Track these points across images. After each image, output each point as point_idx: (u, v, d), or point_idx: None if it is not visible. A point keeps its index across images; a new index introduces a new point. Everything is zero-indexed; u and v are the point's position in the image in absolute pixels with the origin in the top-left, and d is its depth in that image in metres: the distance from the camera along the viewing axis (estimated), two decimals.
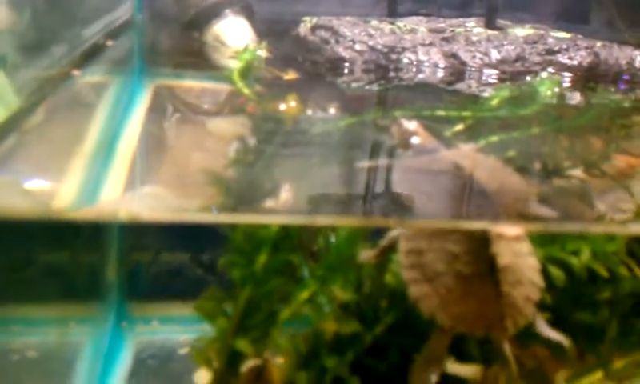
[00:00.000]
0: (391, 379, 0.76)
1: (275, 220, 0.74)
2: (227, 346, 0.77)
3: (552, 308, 0.77)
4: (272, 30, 1.25)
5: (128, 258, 1.26)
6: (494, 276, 0.73)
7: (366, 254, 0.80)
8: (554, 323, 0.76)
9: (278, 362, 0.79)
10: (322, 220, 0.72)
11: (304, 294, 0.78)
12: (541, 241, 0.79)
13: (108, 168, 0.74)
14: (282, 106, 0.86)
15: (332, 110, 0.89)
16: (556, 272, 0.77)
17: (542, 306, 0.76)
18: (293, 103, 0.84)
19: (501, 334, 0.75)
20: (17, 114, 0.75)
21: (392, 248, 0.78)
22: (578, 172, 0.82)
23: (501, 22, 1.37)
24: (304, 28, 1.26)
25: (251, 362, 0.79)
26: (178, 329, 1.21)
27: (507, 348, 0.75)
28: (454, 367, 0.78)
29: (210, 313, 0.79)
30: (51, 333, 1.08)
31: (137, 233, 1.24)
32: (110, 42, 1.11)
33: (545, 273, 0.76)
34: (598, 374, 0.83)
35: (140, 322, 1.25)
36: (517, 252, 0.75)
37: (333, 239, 0.81)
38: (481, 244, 0.73)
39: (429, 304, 0.75)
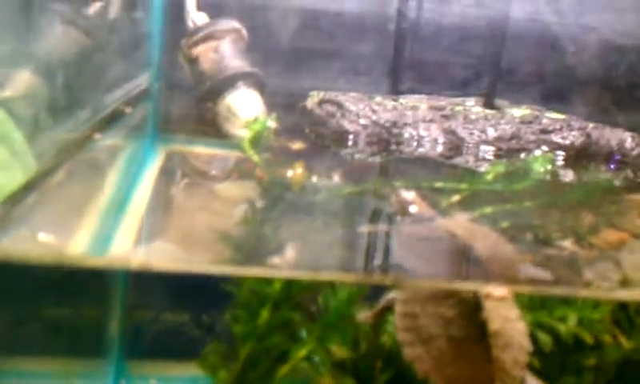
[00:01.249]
0: None
1: (280, 274, 0.78)
2: None
3: (540, 372, 0.80)
4: (281, 102, 1.33)
5: (130, 316, 1.29)
6: (486, 340, 0.77)
7: (364, 315, 0.84)
8: None
9: None
10: (324, 275, 0.76)
11: (302, 352, 0.82)
12: (529, 306, 0.82)
13: (119, 224, 0.78)
14: (289, 173, 0.91)
15: (336, 178, 0.94)
16: (544, 337, 0.81)
17: (530, 371, 0.79)
18: (300, 170, 0.89)
19: None
20: (37, 175, 0.80)
21: (388, 309, 0.82)
22: (567, 243, 0.86)
23: (499, 101, 1.45)
24: (311, 102, 1.33)
25: None
26: None
27: None
28: None
29: (212, 366, 0.82)
30: None
31: (140, 290, 1.28)
32: (128, 109, 1.18)
33: (533, 338, 0.80)
34: None
35: (138, 381, 1.27)
36: (506, 317, 0.79)
37: (331, 300, 0.85)
38: (473, 309, 0.78)
39: (423, 366, 0.79)
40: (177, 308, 1.32)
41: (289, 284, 0.82)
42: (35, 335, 1.13)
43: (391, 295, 0.82)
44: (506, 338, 0.78)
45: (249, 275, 0.82)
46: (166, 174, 1.02)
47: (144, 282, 1.24)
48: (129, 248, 0.74)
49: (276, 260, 0.71)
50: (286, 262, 0.70)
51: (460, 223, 0.86)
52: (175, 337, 1.33)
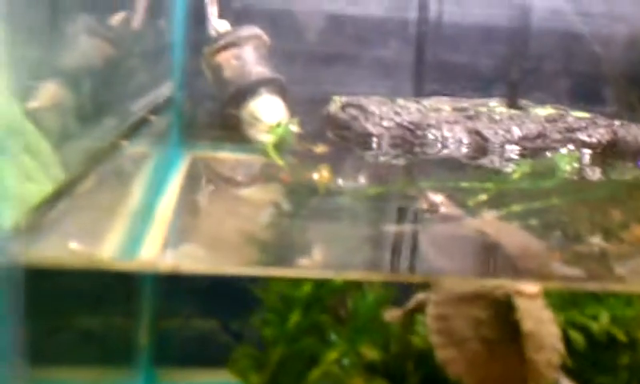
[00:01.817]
0: None
1: (308, 275, 0.78)
2: None
3: (573, 372, 0.79)
4: (304, 108, 1.33)
5: (159, 323, 1.30)
6: (518, 341, 0.76)
7: (391, 314, 0.84)
8: None
9: None
10: (352, 275, 0.76)
11: (333, 355, 0.81)
12: (560, 305, 0.81)
13: (147, 230, 0.79)
14: (315, 175, 0.91)
15: (362, 180, 0.94)
16: (576, 336, 0.80)
17: (564, 371, 0.78)
18: (325, 173, 0.89)
19: None
20: (65, 184, 0.82)
21: (417, 310, 0.82)
22: (597, 239, 0.85)
23: (522, 102, 1.44)
24: (334, 106, 1.34)
25: None
26: None
27: None
28: None
29: (242, 371, 0.82)
30: None
31: (169, 297, 1.28)
32: (153, 117, 1.19)
33: (565, 337, 0.79)
34: None
35: None
36: (539, 318, 0.78)
37: (360, 302, 0.85)
38: (505, 310, 0.77)
39: (455, 368, 0.78)
40: (205, 314, 1.33)
41: (318, 286, 0.82)
42: (65, 344, 1.14)
43: (421, 296, 0.82)
44: (539, 339, 0.77)
45: (276, 276, 0.82)
46: (192, 180, 1.03)
47: (173, 289, 1.24)
48: (157, 252, 0.74)
49: (304, 261, 0.71)
50: (313, 263, 0.70)
51: (489, 222, 0.86)
52: (204, 343, 1.33)
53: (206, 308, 1.32)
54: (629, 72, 1.55)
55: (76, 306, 1.12)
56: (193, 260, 0.73)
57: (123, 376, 1.25)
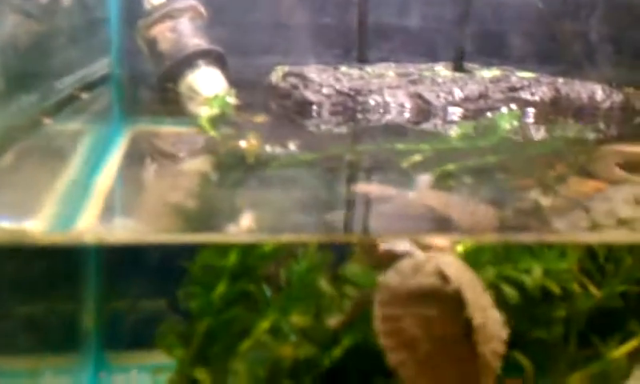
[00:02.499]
0: None
1: (234, 240, 0.76)
2: (186, 377, 0.78)
3: (508, 327, 0.78)
4: (246, 79, 1.30)
5: (105, 306, 1.27)
6: (470, 337, 0.74)
7: (334, 320, 0.82)
8: (511, 343, 0.77)
9: None
10: (284, 237, 0.74)
11: (265, 324, 0.80)
12: (494, 260, 0.81)
13: (81, 205, 0.77)
14: (243, 143, 0.89)
15: (292, 147, 0.92)
16: (509, 290, 0.79)
17: None
18: (253, 141, 0.87)
19: None
20: None
21: (360, 311, 0.80)
22: (534, 194, 0.84)
23: (469, 65, 1.42)
24: (276, 76, 1.31)
25: None
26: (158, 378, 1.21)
27: None
28: None
29: (169, 345, 0.80)
30: None
31: (113, 279, 1.26)
32: (85, 94, 1.15)
33: (498, 291, 0.78)
34: None
35: (119, 372, 1.25)
36: (484, 306, 0.76)
37: (294, 270, 0.83)
38: (455, 306, 0.74)
39: (408, 372, 0.76)
40: (153, 295, 1.30)
41: (245, 254, 0.80)
42: (4, 333, 1.11)
43: (364, 292, 0.80)
44: (486, 330, 0.75)
45: (203, 242, 0.80)
46: (131, 156, 1.00)
47: (116, 268, 1.22)
48: (89, 225, 0.72)
49: (231, 228, 0.69)
50: (241, 229, 0.68)
51: (433, 195, 0.84)
52: (154, 324, 1.31)
53: (153, 288, 1.30)
54: (575, 28, 1.55)
55: (14, 291, 1.09)
56: (121, 230, 0.71)
57: (70, 362, 1.22)
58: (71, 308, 1.20)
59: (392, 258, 0.78)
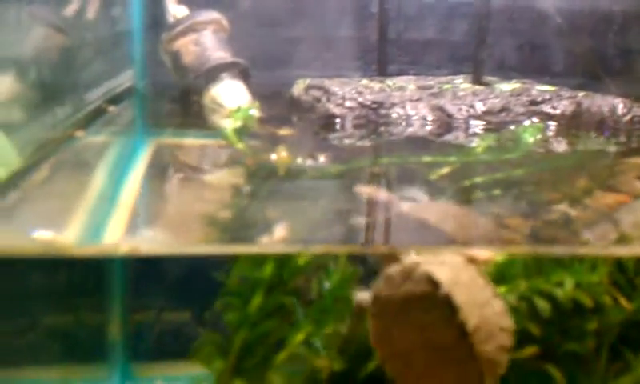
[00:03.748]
0: None
1: (268, 251, 0.77)
2: None
3: (540, 340, 0.78)
4: (268, 92, 1.31)
5: (131, 318, 1.28)
6: (466, 340, 0.72)
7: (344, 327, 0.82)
8: (543, 355, 0.77)
9: None
10: (314, 249, 0.74)
11: (299, 336, 0.80)
12: (525, 273, 0.81)
13: (109, 217, 0.77)
14: (273, 156, 0.90)
15: (321, 159, 0.93)
16: (542, 304, 0.79)
17: (530, 339, 0.78)
18: (284, 153, 0.88)
19: None
20: (20, 171, 0.79)
21: (360, 319, 0.79)
22: (563, 207, 0.84)
23: (488, 78, 1.43)
24: (297, 89, 1.32)
25: None
26: None
27: None
28: None
29: (206, 357, 0.80)
30: None
31: (139, 291, 1.27)
32: (111, 107, 1.16)
33: (531, 305, 0.78)
34: None
35: (144, 383, 1.25)
36: (482, 303, 0.74)
37: (326, 283, 0.84)
38: (447, 311, 0.73)
39: (406, 381, 0.75)
40: (178, 307, 1.31)
41: (280, 267, 0.81)
42: (33, 344, 1.12)
43: (360, 296, 0.80)
44: (486, 327, 0.73)
45: (238, 253, 0.80)
46: (156, 167, 1.01)
47: (143, 282, 1.23)
48: (119, 238, 0.72)
49: (265, 239, 0.69)
50: (274, 241, 0.68)
51: (426, 206, 0.83)
52: (179, 335, 1.31)
53: (179, 300, 1.31)
54: (593, 43, 1.55)
55: (41, 303, 1.10)
56: (153, 242, 0.72)
57: (96, 372, 1.23)
58: (98, 319, 1.21)
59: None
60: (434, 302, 0.72)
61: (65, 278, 1.05)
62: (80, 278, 1.06)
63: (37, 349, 1.13)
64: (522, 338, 0.78)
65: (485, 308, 0.74)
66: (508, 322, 0.74)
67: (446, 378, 0.74)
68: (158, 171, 1.00)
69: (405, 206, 0.82)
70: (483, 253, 0.74)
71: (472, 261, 0.74)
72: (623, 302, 0.85)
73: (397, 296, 0.74)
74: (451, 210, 0.82)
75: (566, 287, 0.81)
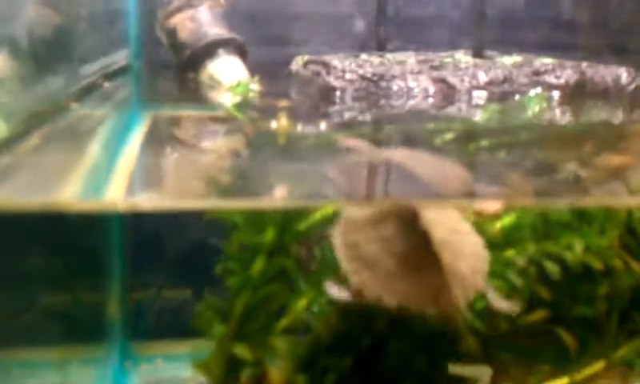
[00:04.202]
0: (394, 375, 0.76)
1: (266, 206, 0.75)
2: (226, 353, 0.76)
3: (550, 304, 0.76)
4: (266, 68, 1.29)
5: (130, 297, 1.26)
6: (431, 250, 0.74)
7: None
8: (553, 319, 0.75)
9: (278, 367, 0.79)
10: (314, 204, 0.73)
11: (302, 302, 0.78)
12: (534, 236, 0.79)
13: (107, 180, 0.75)
14: (274, 124, 0.88)
15: (323, 126, 0.91)
16: (551, 266, 0.77)
17: (540, 303, 0.76)
18: (284, 120, 0.86)
19: (451, 306, 0.74)
20: (9, 137, 0.77)
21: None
22: (572, 166, 0.83)
23: (488, 52, 1.41)
24: (296, 65, 1.30)
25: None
26: (183, 366, 1.20)
27: (463, 324, 0.75)
28: (460, 369, 0.78)
29: (207, 321, 0.78)
30: (54, 376, 1.07)
31: (138, 268, 1.25)
32: (106, 83, 1.14)
33: (540, 268, 0.76)
34: (600, 364, 0.82)
35: (144, 361, 1.24)
36: (454, 229, 0.76)
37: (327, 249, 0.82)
38: (413, 224, 0.75)
39: (371, 289, 0.75)
40: (178, 284, 1.29)
41: (281, 232, 0.79)
42: (31, 323, 1.10)
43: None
44: (456, 247, 0.74)
45: (235, 208, 0.78)
46: (153, 137, 0.99)
47: (141, 259, 1.21)
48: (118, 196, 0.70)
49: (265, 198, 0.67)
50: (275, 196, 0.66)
51: (405, 153, 0.83)
52: (179, 314, 1.29)
53: (178, 277, 1.29)
54: (594, 17, 1.53)
55: (41, 283, 1.08)
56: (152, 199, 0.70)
57: (95, 351, 1.21)
58: (96, 299, 1.19)
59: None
60: (400, 216, 0.75)
61: (63, 239, 1.03)
62: (78, 240, 1.04)
63: (34, 328, 1.11)
64: (532, 301, 0.76)
65: (457, 234, 0.76)
66: (483, 252, 0.76)
67: (410, 285, 0.75)
68: (155, 140, 0.98)
69: (383, 152, 0.84)
70: (491, 205, 0.72)
71: (480, 213, 0.73)
72: (634, 265, 0.83)
73: (367, 215, 0.77)
74: (424, 158, 0.82)
75: (575, 250, 0.79)
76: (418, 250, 0.74)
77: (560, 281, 0.79)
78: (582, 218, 0.80)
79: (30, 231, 0.82)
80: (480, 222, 0.76)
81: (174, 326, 1.22)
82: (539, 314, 0.79)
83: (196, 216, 0.91)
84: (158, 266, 1.22)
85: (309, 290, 0.79)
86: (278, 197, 0.65)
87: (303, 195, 0.68)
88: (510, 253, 0.79)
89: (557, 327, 0.79)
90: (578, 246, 0.79)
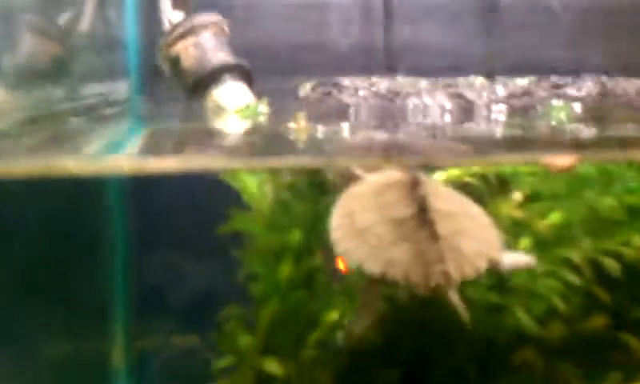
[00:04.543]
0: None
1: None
2: (254, 368, 0.67)
3: (609, 307, 0.69)
4: (273, 96, 1.23)
5: (135, 344, 1.18)
6: (429, 219, 0.71)
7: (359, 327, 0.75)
8: (614, 325, 0.67)
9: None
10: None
11: (333, 315, 0.70)
12: (590, 233, 0.72)
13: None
14: (292, 125, 0.82)
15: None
16: (610, 263, 0.70)
17: (600, 307, 0.68)
18: (302, 120, 0.80)
19: (442, 279, 0.69)
20: None
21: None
22: None
23: (499, 78, 1.36)
24: (304, 90, 1.25)
25: None
26: None
27: (455, 298, 0.70)
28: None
29: (232, 334, 0.70)
30: None
31: (144, 315, 1.17)
32: (107, 110, 1.10)
33: (597, 266, 0.69)
34: None
35: None
36: (460, 207, 0.75)
37: None
38: (411, 189, 0.74)
39: (357, 254, 0.72)
40: (185, 329, 1.20)
41: (308, 233, 0.72)
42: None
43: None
44: (460, 223, 0.72)
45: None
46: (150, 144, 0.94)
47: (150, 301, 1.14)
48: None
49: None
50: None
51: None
52: (187, 362, 1.21)
53: (186, 323, 1.21)
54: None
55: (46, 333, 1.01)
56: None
57: None
58: (99, 347, 1.11)
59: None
60: (399, 183, 0.74)
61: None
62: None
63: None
64: (589, 304, 0.69)
65: (465, 213, 0.75)
66: (494, 235, 0.74)
67: (400, 254, 0.71)
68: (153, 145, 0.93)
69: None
70: (564, 158, 0.66)
71: (549, 166, 0.67)
72: None
73: (363, 185, 0.77)
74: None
75: (634, 246, 0.71)
76: (413, 217, 0.71)
77: (619, 280, 0.71)
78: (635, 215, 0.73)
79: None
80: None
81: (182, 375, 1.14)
82: (599, 320, 0.71)
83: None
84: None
85: (339, 300, 0.71)
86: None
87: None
88: (563, 251, 0.71)
89: (620, 332, 0.71)
90: (638, 240, 0.71)
